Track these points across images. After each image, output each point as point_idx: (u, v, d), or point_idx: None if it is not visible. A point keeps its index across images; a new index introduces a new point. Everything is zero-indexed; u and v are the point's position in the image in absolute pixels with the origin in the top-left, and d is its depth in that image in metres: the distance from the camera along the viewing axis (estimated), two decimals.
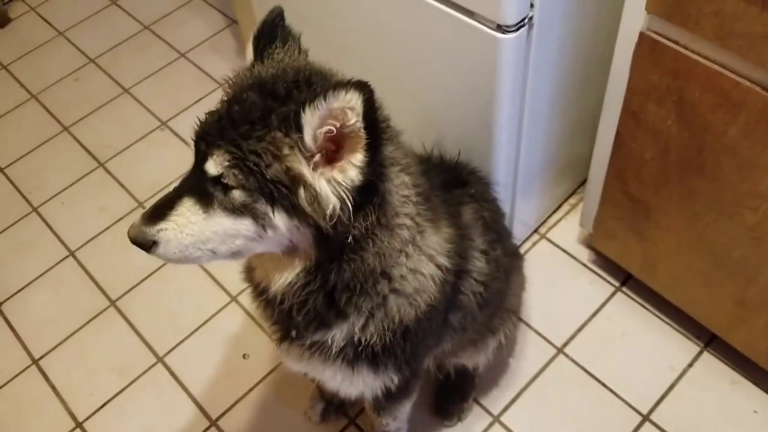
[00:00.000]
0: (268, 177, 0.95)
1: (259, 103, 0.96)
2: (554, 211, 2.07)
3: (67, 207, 2.26)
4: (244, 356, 1.88)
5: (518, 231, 1.95)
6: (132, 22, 2.82)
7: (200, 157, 0.99)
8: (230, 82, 1.05)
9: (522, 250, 2.00)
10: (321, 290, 1.08)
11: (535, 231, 2.04)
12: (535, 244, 2.02)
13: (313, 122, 0.92)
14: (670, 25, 1.31)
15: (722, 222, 1.44)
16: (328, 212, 0.97)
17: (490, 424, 1.71)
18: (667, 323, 1.82)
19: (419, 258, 1.13)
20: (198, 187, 1.00)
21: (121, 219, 2.21)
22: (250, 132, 0.95)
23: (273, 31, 1.07)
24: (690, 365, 1.76)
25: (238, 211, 0.99)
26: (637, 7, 1.34)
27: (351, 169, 0.95)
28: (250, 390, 1.82)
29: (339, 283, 1.08)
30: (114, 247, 2.15)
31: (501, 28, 1.40)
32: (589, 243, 1.93)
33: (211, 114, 1.01)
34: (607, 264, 1.91)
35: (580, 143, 1.88)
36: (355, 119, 0.91)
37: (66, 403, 1.83)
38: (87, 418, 1.80)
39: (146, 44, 2.74)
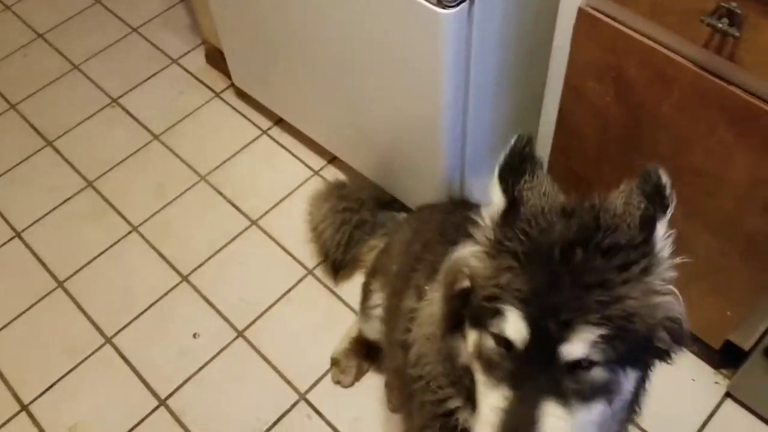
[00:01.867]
0: (639, 336, 0.81)
1: (604, 258, 0.81)
2: None
3: (14, 187, 2.21)
4: (194, 335, 1.88)
5: None
6: None
7: (545, 340, 0.79)
8: (514, 238, 0.84)
9: None
10: None
11: None
12: None
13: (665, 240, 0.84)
14: (609, 1, 1.31)
15: None
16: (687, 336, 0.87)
17: None
18: None
19: None
20: (550, 380, 0.79)
21: (70, 198, 2.17)
22: (618, 291, 0.80)
23: (523, 162, 0.89)
24: None
25: (593, 394, 0.81)
26: None
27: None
28: (200, 369, 1.82)
29: None
30: (62, 227, 2.11)
31: (441, 3, 1.39)
32: None
33: (529, 282, 0.80)
34: None
35: (529, 123, 1.87)
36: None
37: (11, 386, 1.81)
38: (33, 401, 1.78)
39: (97, 19, 2.67)
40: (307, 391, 1.76)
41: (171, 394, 1.78)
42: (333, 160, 2.17)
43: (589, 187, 1.63)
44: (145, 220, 2.10)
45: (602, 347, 0.79)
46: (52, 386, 1.81)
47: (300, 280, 1.95)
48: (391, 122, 1.77)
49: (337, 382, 1.77)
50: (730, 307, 1.55)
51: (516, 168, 0.88)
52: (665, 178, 0.87)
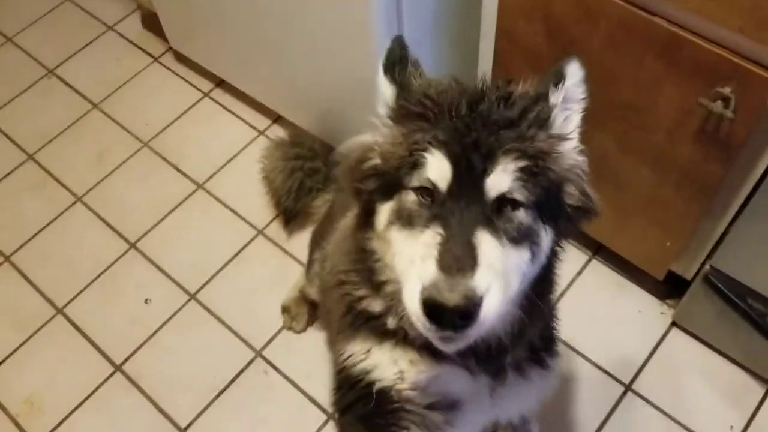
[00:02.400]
0: (551, 181, 0.85)
1: (506, 108, 0.86)
2: None
3: None
4: (146, 301, 1.87)
5: None
6: None
7: (469, 175, 0.82)
8: (427, 103, 0.88)
9: None
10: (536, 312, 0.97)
11: None
12: None
13: (562, 109, 0.90)
14: None
15: (595, 134, 1.49)
16: (594, 197, 0.90)
17: None
18: None
19: None
20: (480, 215, 0.81)
21: (11, 173, 2.13)
22: (526, 133, 0.84)
23: (402, 58, 0.93)
24: (579, 273, 1.84)
25: (520, 239, 0.83)
26: None
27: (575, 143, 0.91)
28: (154, 333, 1.81)
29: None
30: (5, 202, 2.07)
31: None
32: None
33: (445, 129, 0.84)
34: None
35: (468, 72, 1.88)
36: (582, 89, 0.92)
37: None
38: None
39: None
40: (262, 348, 1.78)
41: (126, 360, 1.78)
42: (278, 119, 2.16)
43: None
44: (89, 190, 2.07)
45: (523, 183, 0.82)
46: (5, 360, 1.79)
47: (250, 241, 1.95)
48: (330, 76, 1.76)
49: (290, 329, 1.79)
50: (670, 238, 1.60)
51: (396, 62, 0.92)
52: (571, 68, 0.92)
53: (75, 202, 2.05)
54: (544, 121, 0.87)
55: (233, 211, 2.00)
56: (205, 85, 2.26)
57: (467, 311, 0.76)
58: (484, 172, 0.82)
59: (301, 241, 1.92)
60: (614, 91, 1.38)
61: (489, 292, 0.77)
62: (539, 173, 0.84)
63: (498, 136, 0.83)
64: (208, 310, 1.84)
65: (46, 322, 1.84)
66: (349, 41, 1.60)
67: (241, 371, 1.74)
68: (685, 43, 1.24)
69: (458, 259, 0.77)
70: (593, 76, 1.38)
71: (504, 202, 0.83)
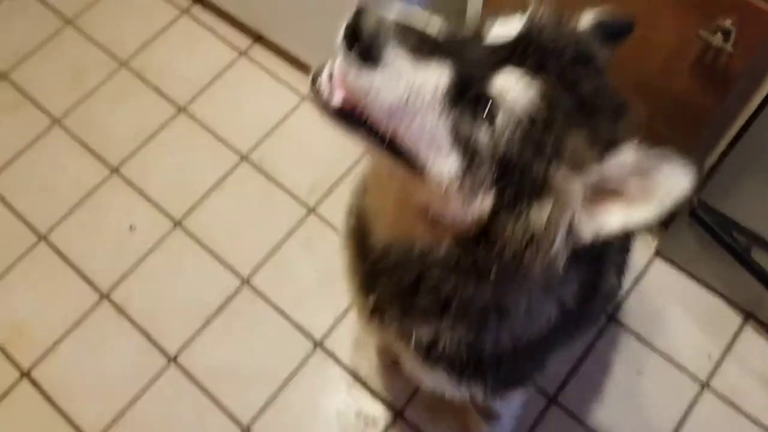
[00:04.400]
0: (545, 152, 0.75)
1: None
2: None
3: None
4: (130, 228, 1.85)
5: None
6: None
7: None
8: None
9: None
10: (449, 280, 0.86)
11: None
12: None
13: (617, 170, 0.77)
14: None
15: None
16: (552, 244, 0.77)
17: None
18: None
19: (544, 299, 0.94)
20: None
21: None
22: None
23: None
24: None
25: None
26: None
27: (612, 221, 0.78)
28: (140, 261, 1.80)
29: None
30: None
31: None
32: None
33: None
34: None
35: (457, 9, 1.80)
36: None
37: None
38: None
39: None
40: (249, 276, 1.78)
41: (113, 288, 1.77)
42: (259, 38, 2.08)
43: None
44: (67, 112, 2.00)
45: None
46: None
47: (234, 167, 1.92)
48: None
49: None
50: None
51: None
52: None
53: (53, 125, 1.99)
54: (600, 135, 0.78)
55: (216, 135, 1.96)
56: (183, 1, 2.16)
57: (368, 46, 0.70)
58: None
59: (286, 167, 1.90)
60: None
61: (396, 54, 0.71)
62: (545, 143, 0.76)
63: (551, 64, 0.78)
64: (194, 237, 1.83)
65: (29, 249, 1.82)
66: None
67: (229, 299, 1.75)
68: None
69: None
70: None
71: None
